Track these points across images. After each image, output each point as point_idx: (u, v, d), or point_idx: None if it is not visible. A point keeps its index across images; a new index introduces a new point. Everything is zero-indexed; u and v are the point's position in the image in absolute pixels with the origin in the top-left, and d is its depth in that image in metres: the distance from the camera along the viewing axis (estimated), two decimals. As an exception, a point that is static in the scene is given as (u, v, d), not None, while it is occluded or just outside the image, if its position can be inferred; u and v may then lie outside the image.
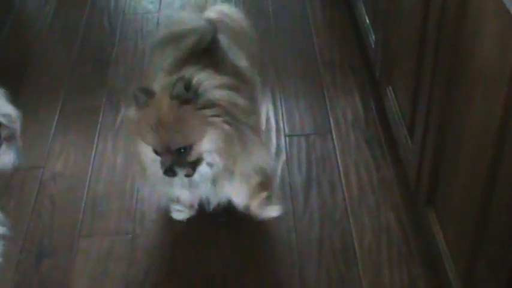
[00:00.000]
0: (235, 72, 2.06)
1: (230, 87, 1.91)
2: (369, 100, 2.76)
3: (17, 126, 1.82)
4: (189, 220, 2.19)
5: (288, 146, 2.58)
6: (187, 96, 1.80)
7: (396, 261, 2.14)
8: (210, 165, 1.90)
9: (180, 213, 2.24)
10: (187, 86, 1.81)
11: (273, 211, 2.21)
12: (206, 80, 1.86)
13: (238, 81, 2.03)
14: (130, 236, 2.25)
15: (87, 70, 3.05)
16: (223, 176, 1.96)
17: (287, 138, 2.62)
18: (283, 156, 2.53)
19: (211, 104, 1.84)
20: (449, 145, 1.83)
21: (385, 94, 2.49)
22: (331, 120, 2.68)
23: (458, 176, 1.77)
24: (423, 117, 2.00)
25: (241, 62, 2.15)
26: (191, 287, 2.10)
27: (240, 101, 1.92)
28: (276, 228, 2.25)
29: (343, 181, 2.42)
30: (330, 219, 2.29)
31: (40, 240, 2.23)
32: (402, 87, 2.30)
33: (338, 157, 2.52)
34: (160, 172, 1.87)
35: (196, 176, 1.91)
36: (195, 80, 1.83)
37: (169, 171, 1.84)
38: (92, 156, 2.58)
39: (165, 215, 2.27)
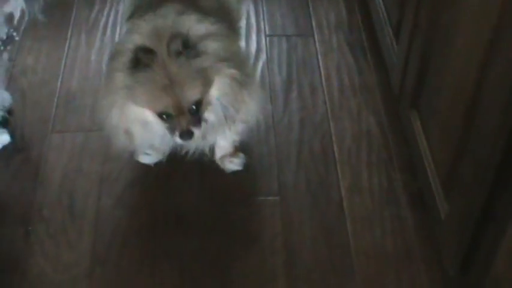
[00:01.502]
0: (222, 8, 1.93)
1: (223, 36, 1.76)
2: (353, 2, 2.68)
3: None
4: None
5: (268, 46, 2.51)
6: (189, 54, 1.65)
7: (375, 166, 2.12)
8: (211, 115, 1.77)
9: (147, 157, 2.09)
10: (186, 43, 1.64)
11: (236, 164, 2.08)
12: (201, 32, 1.70)
13: (221, 13, 1.89)
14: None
15: (60, -38, 2.91)
16: (220, 127, 1.84)
17: (268, 38, 2.55)
18: (264, 57, 2.46)
19: (214, 57, 1.70)
20: (437, 47, 1.78)
21: (371, -5, 2.41)
22: (314, 22, 2.61)
23: (445, 79, 1.73)
24: (411, 18, 1.94)
25: None
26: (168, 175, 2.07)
27: (235, 48, 1.82)
28: (254, 129, 2.20)
29: (324, 84, 2.37)
30: (309, 121, 2.25)
31: (11, 134, 2.16)
32: (390, -14, 2.23)
33: (320, 60, 2.46)
34: (154, 136, 1.77)
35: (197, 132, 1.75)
36: (192, 36, 1.67)
37: (187, 134, 1.70)
38: (65, 51, 2.50)
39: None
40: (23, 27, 1.99)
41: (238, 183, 2.06)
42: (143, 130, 1.77)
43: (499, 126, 1.39)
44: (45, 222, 1.97)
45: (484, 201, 1.50)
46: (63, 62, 2.45)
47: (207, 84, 1.69)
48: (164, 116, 1.69)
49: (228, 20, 1.90)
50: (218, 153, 2.06)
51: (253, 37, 2.54)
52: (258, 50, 2.49)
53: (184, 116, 1.68)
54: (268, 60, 2.45)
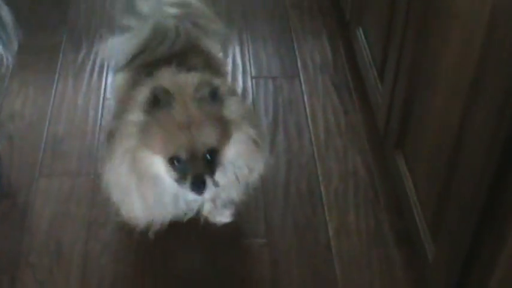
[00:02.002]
0: (208, 63, 1.91)
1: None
2: (337, 43, 2.71)
3: None
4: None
5: (254, 88, 2.53)
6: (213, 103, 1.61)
7: (363, 206, 2.12)
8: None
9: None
10: (214, 93, 1.60)
11: (226, 217, 2.04)
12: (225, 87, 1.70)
13: (213, 71, 1.87)
14: (92, 177, 2.18)
15: (47, 7, 2.93)
16: (229, 191, 1.80)
17: (254, 80, 2.57)
18: (249, 98, 2.48)
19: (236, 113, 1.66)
20: (421, 88, 1.80)
21: (355, 36, 2.44)
22: (299, 63, 2.63)
23: (429, 120, 1.75)
24: (395, 59, 1.96)
25: (212, 49, 1.99)
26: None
27: (254, 119, 1.77)
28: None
29: (310, 125, 2.38)
30: (296, 163, 2.26)
31: (-2, 180, 2.16)
32: (373, 28, 2.25)
33: (305, 101, 2.48)
34: (166, 194, 1.68)
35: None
36: (220, 90, 1.64)
37: (199, 182, 1.58)
38: (52, 95, 2.50)
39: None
40: (7, 73, 1.99)
41: (225, 225, 2.05)
42: (155, 186, 1.67)
43: (483, 167, 1.40)
44: (32, 268, 1.95)
45: (470, 242, 1.51)
46: (50, 106, 2.45)
47: (225, 135, 1.62)
48: (175, 162, 1.59)
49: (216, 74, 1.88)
50: (206, 206, 1.97)
51: (239, 79, 2.57)
52: (244, 91, 2.51)
53: (198, 162, 1.59)
54: (254, 102, 2.47)
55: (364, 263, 1.97)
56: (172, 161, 1.59)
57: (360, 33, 2.39)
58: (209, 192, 1.64)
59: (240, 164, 1.70)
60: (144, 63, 1.83)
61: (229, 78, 2.28)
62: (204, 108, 1.58)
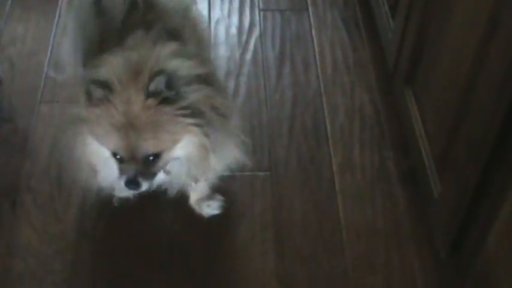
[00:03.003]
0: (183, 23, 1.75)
1: (206, 80, 1.56)
2: (348, -23, 2.65)
3: None
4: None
5: (262, 21, 2.48)
6: (167, 96, 1.44)
7: (368, 143, 2.10)
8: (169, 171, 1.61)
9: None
10: (170, 83, 1.44)
11: (214, 208, 1.93)
12: (185, 75, 1.50)
13: (189, 32, 1.73)
14: (94, 104, 2.15)
15: None
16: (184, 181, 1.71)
17: (261, 12, 2.51)
18: (257, 31, 2.43)
19: (191, 110, 1.48)
20: (434, 23, 1.75)
21: (367, -30, 2.38)
22: (308, -3, 2.58)
23: (442, 56, 1.71)
24: (408, -6, 1.91)
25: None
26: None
27: (218, 101, 1.57)
28: (247, 103, 2.18)
29: (317, 60, 2.34)
30: (302, 97, 2.22)
31: (-1, 104, 2.14)
32: (386, -39, 2.20)
33: (313, 35, 2.43)
34: (114, 175, 1.57)
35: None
36: (177, 76, 1.47)
37: (133, 184, 1.53)
38: (55, 22, 2.45)
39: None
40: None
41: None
42: (105, 167, 1.60)
43: (495, 105, 1.38)
44: (32, 193, 1.95)
45: (477, 181, 1.49)
46: (53, 32, 2.40)
47: (171, 140, 1.50)
48: (118, 156, 1.52)
49: (197, 39, 1.78)
50: (193, 197, 1.92)
51: (247, 11, 2.51)
52: (251, 24, 2.46)
53: (136, 164, 1.51)
54: (262, 35, 2.42)
55: (367, 199, 1.96)
56: (115, 154, 1.52)
57: (372, -34, 2.33)
58: (154, 183, 1.60)
59: (189, 164, 1.60)
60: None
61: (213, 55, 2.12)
62: (149, 107, 1.44)
